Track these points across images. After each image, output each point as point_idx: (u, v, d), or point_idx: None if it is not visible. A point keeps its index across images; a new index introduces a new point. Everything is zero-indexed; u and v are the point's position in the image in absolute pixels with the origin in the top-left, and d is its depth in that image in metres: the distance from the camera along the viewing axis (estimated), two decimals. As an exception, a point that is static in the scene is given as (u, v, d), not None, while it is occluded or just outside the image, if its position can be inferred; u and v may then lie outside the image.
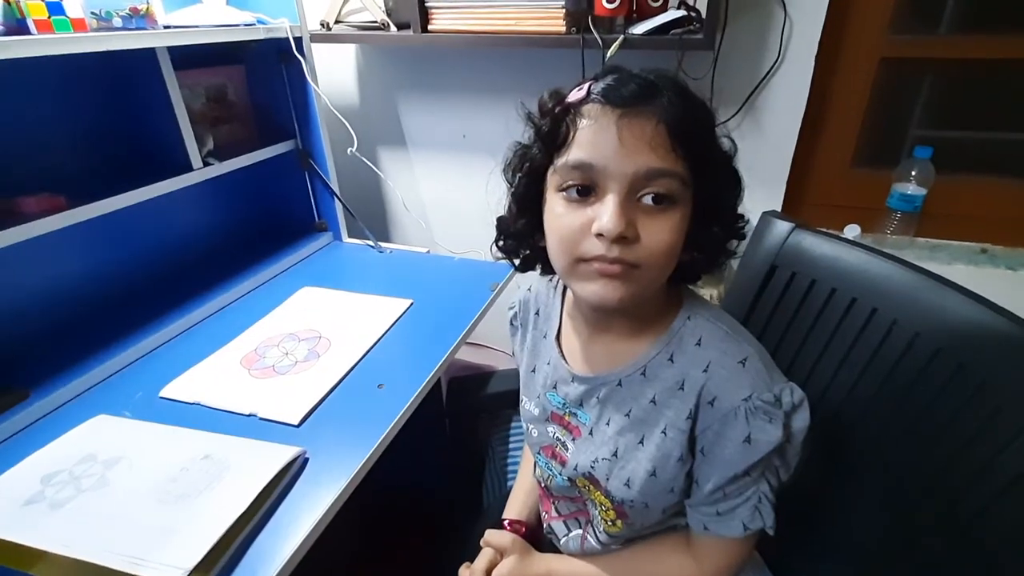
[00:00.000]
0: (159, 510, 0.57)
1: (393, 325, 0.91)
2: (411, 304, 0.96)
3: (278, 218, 1.22)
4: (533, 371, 0.62)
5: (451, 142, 1.39)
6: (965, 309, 0.51)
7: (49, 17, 0.68)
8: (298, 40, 1.01)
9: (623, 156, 0.41)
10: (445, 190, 1.47)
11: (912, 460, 0.54)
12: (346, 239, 1.25)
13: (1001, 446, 0.46)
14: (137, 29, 0.79)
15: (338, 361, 0.81)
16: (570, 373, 0.56)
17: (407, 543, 1.16)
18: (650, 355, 0.50)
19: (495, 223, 0.56)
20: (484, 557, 0.64)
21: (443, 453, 1.06)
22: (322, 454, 0.65)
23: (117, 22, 0.77)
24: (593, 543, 0.60)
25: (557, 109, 0.46)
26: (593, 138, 0.43)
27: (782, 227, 0.70)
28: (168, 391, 0.76)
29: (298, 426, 0.69)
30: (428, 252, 1.21)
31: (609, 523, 0.57)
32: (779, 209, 1.19)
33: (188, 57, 0.90)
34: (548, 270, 0.55)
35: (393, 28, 1.17)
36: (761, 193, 1.18)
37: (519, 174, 0.50)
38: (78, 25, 0.71)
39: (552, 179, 0.46)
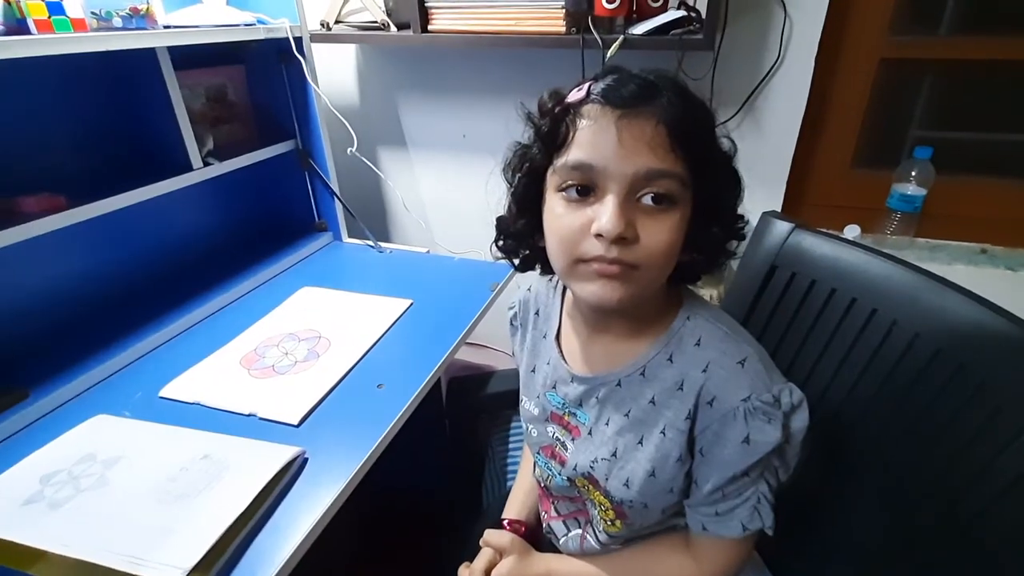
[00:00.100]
0: (158, 510, 0.57)
1: (393, 325, 0.91)
2: (411, 304, 0.96)
3: (278, 218, 1.22)
4: (533, 371, 0.62)
5: (451, 142, 1.39)
6: (965, 309, 0.51)
7: (49, 17, 0.68)
8: (298, 40, 1.01)
9: (622, 156, 0.41)
10: (445, 190, 1.47)
11: (912, 460, 0.54)
12: (346, 239, 1.25)
13: (1001, 446, 0.46)
14: (137, 29, 0.79)
15: (338, 361, 0.81)
16: (569, 373, 0.56)
17: (407, 543, 1.16)
18: (649, 355, 0.50)
19: (495, 223, 0.56)
20: (483, 557, 0.64)
21: (443, 453, 1.06)
22: (322, 454, 0.65)
23: (117, 22, 0.77)
24: (592, 543, 0.60)
25: (557, 109, 0.46)
26: (593, 138, 0.43)
27: (782, 227, 0.70)
28: (168, 391, 0.76)
29: (298, 426, 0.69)
30: (428, 252, 1.21)
31: (608, 523, 0.56)
32: (779, 209, 1.19)
33: (188, 57, 0.90)
34: (548, 270, 0.55)
35: (393, 28, 1.17)
36: (761, 193, 1.18)
37: (519, 174, 0.50)
38: (78, 25, 0.71)
39: (552, 179, 0.46)
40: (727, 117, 1.13)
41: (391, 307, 0.95)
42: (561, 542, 0.65)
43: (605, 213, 0.42)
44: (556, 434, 0.59)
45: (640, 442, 0.51)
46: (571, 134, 0.44)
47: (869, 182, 1.18)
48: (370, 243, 1.21)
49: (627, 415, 0.52)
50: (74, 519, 0.55)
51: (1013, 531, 0.45)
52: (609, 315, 0.52)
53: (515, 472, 0.82)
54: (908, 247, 1.13)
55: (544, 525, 0.68)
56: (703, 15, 0.99)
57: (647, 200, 0.42)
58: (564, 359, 0.58)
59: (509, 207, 0.53)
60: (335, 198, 1.19)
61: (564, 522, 0.64)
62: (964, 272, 1.07)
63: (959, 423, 0.50)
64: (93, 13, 0.74)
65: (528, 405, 0.63)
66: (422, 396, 0.76)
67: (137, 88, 0.86)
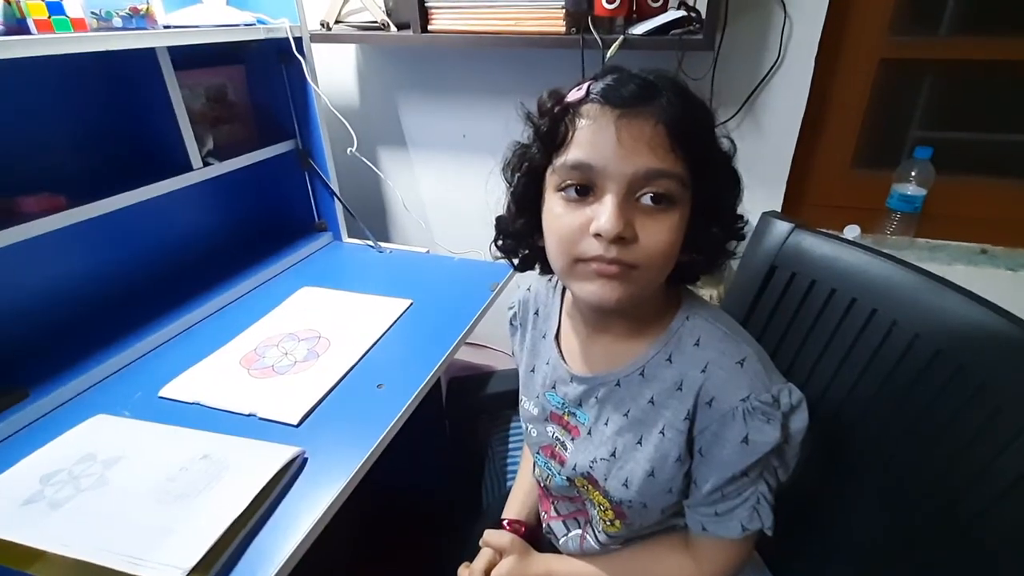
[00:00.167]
0: (158, 510, 0.57)
1: (393, 325, 0.91)
2: (411, 304, 0.96)
3: (278, 218, 1.22)
4: (532, 371, 0.62)
5: (451, 142, 1.39)
6: (965, 310, 0.51)
7: (49, 17, 0.68)
8: (298, 40, 1.01)
9: (622, 156, 0.41)
10: (445, 190, 1.47)
11: (912, 460, 0.54)
12: (346, 239, 1.25)
13: (1001, 447, 0.46)
14: (137, 29, 0.79)
15: (337, 361, 0.81)
16: (569, 373, 0.56)
17: (406, 543, 1.16)
18: (648, 355, 0.50)
19: (494, 223, 0.56)
20: (483, 557, 0.64)
21: (443, 453, 1.06)
22: (321, 454, 0.65)
23: (117, 22, 0.77)
24: (592, 543, 0.60)
25: (556, 109, 0.46)
26: (592, 138, 0.43)
27: (782, 227, 0.70)
28: (167, 391, 0.76)
29: (297, 426, 0.69)
30: (428, 252, 1.21)
31: (608, 523, 0.56)
32: (779, 209, 1.19)
33: (188, 57, 0.90)
34: (547, 270, 0.55)
35: (393, 28, 1.17)
36: (761, 193, 1.18)
37: (518, 174, 0.50)
38: (78, 25, 0.71)
39: (551, 179, 0.46)
40: (727, 117, 1.13)
41: (391, 307, 0.95)
42: (561, 542, 0.65)
43: (604, 213, 0.42)
44: (555, 434, 0.59)
45: (639, 442, 0.51)
46: (570, 134, 0.44)
47: (869, 182, 1.18)
48: (370, 243, 1.21)
49: (626, 415, 0.52)
50: (74, 519, 0.55)
51: (1013, 531, 0.45)
52: (608, 315, 0.52)
53: (515, 472, 0.82)
54: (908, 247, 1.13)
55: (544, 525, 0.68)
56: (703, 15, 0.99)
57: (646, 200, 0.42)
58: (563, 359, 0.58)
59: (508, 207, 0.53)
60: (335, 198, 1.19)
61: (564, 522, 0.64)
62: (964, 272, 1.07)
63: (959, 423, 0.50)
64: (93, 13, 0.74)
65: (527, 405, 0.63)
66: (422, 396, 0.76)
67: (137, 88, 0.86)
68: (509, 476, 0.89)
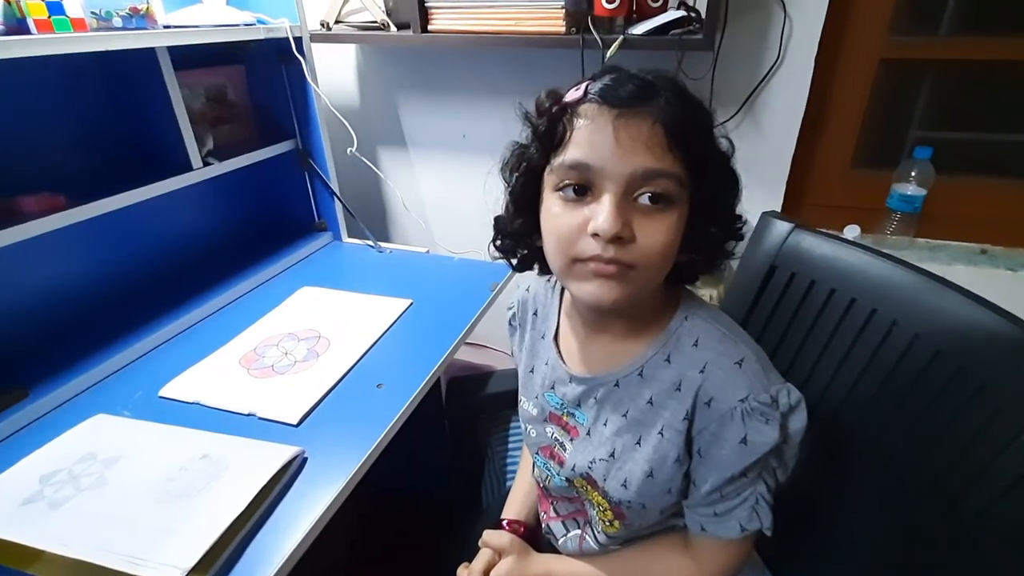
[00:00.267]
0: (157, 510, 0.57)
1: (392, 325, 0.91)
2: (411, 304, 0.96)
3: (278, 218, 1.22)
4: (531, 371, 0.62)
5: (451, 142, 1.39)
6: (965, 310, 0.51)
7: (49, 17, 0.68)
8: (298, 40, 1.01)
9: (619, 156, 0.41)
10: (445, 190, 1.47)
11: (912, 461, 0.54)
12: (346, 239, 1.25)
13: (1001, 447, 0.46)
14: (137, 29, 0.79)
15: (337, 361, 0.81)
16: (568, 374, 0.56)
17: (406, 543, 1.16)
18: (647, 356, 0.50)
19: (492, 223, 0.56)
20: (482, 557, 0.64)
21: (442, 453, 1.06)
22: (321, 454, 0.65)
23: (117, 22, 0.77)
24: (591, 543, 0.60)
25: (554, 109, 0.45)
26: (590, 138, 0.42)
27: (782, 227, 0.70)
28: (167, 391, 0.76)
29: (297, 426, 0.69)
30: (428, 252, 1.21)
31: (607, 524, 0.56)
32: (779, 209, 1.19)
33: (188, 57, 0.90)
34: (546, 270, 0.55)
35: (393, 28, 1.17)
36: (761, 193, 1.18)
37: (516, 174, 0.50)
38: (78, 25, 0.71)
39: (549, 179, 0.46)
40: (727, 117, 1.13)
41: (391, 307, 0.95)
42: (560, 542, 0.65)
43: (602, 212, 0.41)
44: (555, 435, 0.59)
45: (638, 443, 0.51)
46: (568, 134, 0.44)
47: (869, 182, 1.18)
48: (370, 243, 1.21)
49: (625, 416, 0.52)
50: (73, 519, 0.56)
51: (1013, 531, 0.45)
52: (607, 315, 0.52)
53: (515, 472, 0.82)
54: (908, 247, 1.13)
55: (543, 525, 0.68)
56: (703, 15, 0.99)
57: (644, 200, 0.42)
58: (562, 359, 0.58)
59: (507, 207, 0.53)
60: (335, 198, 1.19)
61: (563, 522, 0.64)
62: (964, 272, 1.07)
63: (959, 423, 0.50)
64: (93, 13, 0.74)
65: (526, 406, 0.63)
66: (421, 396, 0.76)
67: (137, 88, 0.86)
68: (509, 476, 0.89)
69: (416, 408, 0.75)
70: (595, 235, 0.42)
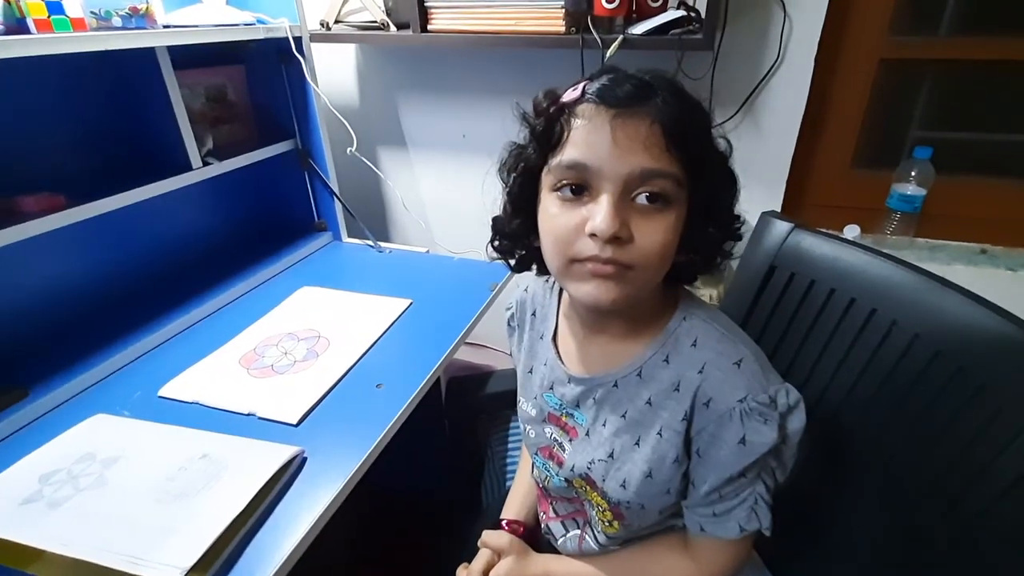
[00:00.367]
0: (157, 509, 0.57)
1: (392, 325, 0.91)
2: (410, 304, 0.96)
3: (278, 218, 1.22)
4: (530, 372, 0.62)
5: (451, 142, 1.39)
6: (965, 310, 0.51)
7: (49, 17, 0.68)
8: (298, 40, 1.01)
9: (617, 156, 0.41)
10: (445, 190, 1.47)
11: (912, 461, 0.54)
12: (346, 239, 1.25)
13: (1001, 447, 0.46)
14: (137, 29, 0.79)
15: (337, 361, 0.81)
16: (566, 374, 0.56)
17: (405, 543, 1.16)
18: (646, 356, 0.50)
19: (491, 223, 0.55)
20: (482, 558, 0.64)
21: (442, 453, 1.06)
22: (320, 454, 0.65)
23: (117, 22, 0.77)
24: (591, 544, 0.60)
25: (552, 109, 0.45)
26: (587, 138, 0.42)
27: (781, 227, 0.70)
28: (167, 390, 0.76)
29: (296, 425, 0.69)
30: (427, 252, 1.21)
31: (606, 524, 0.56)
32: (779, 209, 1.19)
33: (188, 57, 0.90)
34: (544, 270, 0.55)
35: (393, 28, 1.17)
36: (760, 193, 1.18)
37: (514, 174, 0.50)
38: (78, 25, 0.71)
39: (546, 179, 0.46)
40: (726, 117, 1.13)
41: (390, 307, 0.95)
42: (559, 543, 0.65)
43: (599, 213, 0.41)
44: (553, 435, 0.59)
45: (637, 443, 0.51)
46: (566, 133, 0.44)
47: (869, 182, 1.18)
48: (370, 243, 1.21)
49: (624, 416, 0.52)
50: (73, 518, 0.56)
51: (1013, 531, 0.45)
52: (605, 316, 0.52)
53: (514, 472, 0.82)
54: (908, 247, 1.13)
55: (543, 526, 0.68)
56: (703, 15, 0.99)
57: (642, 200, 0.42)
58: (561, 360, 0.58)
59: (504, 207, 0.53)
60: (335, 198, 1.19)
61: (562, 523, 0.64)
62: (964, 272, 1.07)
63: (959, 424, 0.50)
64: (93, 13, 0.74)
65: (525, 406, 0.63)
66: (421, 396, 0.76)
67: (137, 88, 0.86)
68: (508, 476, 0.89)
69: (416, 408, 0.75)
70: (593, 235, 0.42)
